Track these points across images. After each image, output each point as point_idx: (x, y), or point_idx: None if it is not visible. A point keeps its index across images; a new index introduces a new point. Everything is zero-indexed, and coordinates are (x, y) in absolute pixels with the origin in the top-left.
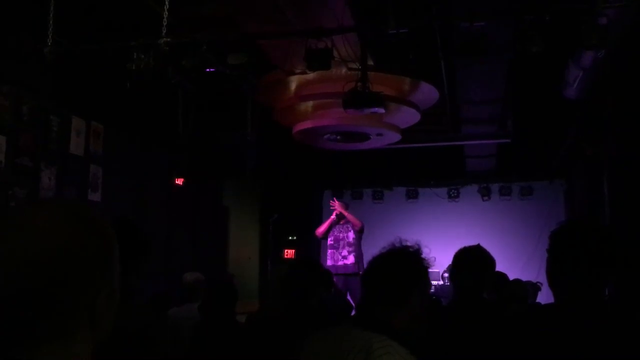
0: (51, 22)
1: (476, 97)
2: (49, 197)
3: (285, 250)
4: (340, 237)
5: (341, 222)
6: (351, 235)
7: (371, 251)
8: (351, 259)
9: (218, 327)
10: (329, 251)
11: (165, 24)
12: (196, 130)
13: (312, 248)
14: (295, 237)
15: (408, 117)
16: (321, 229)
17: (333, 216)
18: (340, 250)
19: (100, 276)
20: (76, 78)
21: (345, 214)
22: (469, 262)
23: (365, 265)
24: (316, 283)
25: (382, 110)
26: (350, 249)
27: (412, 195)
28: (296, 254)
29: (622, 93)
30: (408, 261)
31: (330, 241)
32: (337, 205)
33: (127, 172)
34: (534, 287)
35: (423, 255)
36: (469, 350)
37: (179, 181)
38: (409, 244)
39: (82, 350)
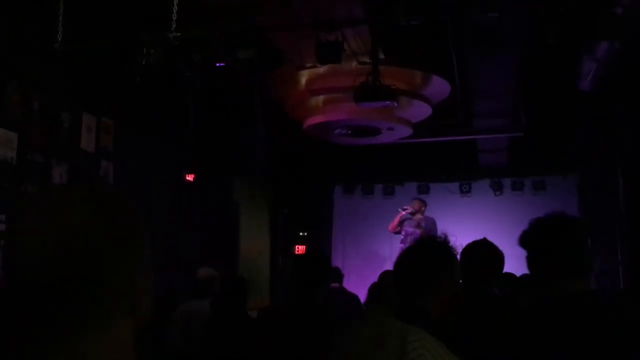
0: (61, 17)
1: (488, 90)
2: None
3: (296, 246)
4: (409, 232)
5: (415, 219)
6: (418, 232)
7: (383, 245)
8: None
9: (230, 322)
10: (400, 246)
11: (175, 18)
12: (206, 125)
13: (322, 244)
14: (306, 233)
15: (419, 111)
16: (392, 224)
17: (403, 212)
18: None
19: (138, 260)
20: (86, 74)
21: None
22: (476, 256)
23: None
24: (323, 277)
25: (393, 104)
26: None
27: (424, 191)
28: (307, 249)
29: (638, 85)
30: (434, 250)
31: (401, 236)
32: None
33: (137, 168)
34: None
35: (450, 244)
36: (479, 344)
37: (190, 177)
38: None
39: (124, 335)
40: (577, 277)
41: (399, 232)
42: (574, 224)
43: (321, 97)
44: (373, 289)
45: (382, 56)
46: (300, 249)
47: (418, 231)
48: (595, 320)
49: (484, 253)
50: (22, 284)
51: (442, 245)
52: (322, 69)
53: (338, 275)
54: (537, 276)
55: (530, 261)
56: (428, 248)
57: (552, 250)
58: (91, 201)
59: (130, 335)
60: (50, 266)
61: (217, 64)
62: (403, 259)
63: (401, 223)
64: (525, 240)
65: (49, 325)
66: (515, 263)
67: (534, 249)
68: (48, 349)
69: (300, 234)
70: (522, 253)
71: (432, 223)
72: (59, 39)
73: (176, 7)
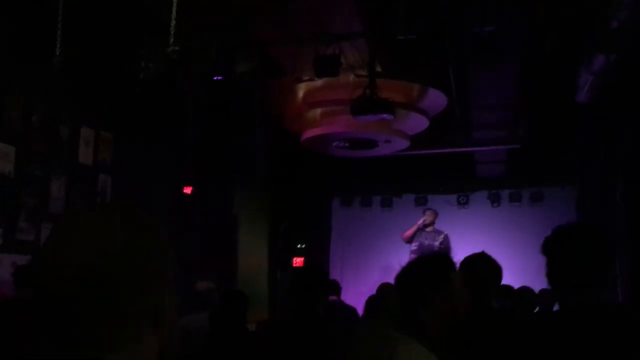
0: (59, 31)
1: (486, 102)
2: (58, 206)
3: (295, 258)
4: (426, 245)
5: (427, 230)
6: (436, 245)
7: (381, 258)
8: None
9: (229, 336)
10: (411, 256)
11: (173, 32)
12: (205, 138)
13: (321, 255)
14: (304, 245)
15: (416, 123)
16: (407, 233)
17: (420, 222)
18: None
19: (164, 277)
20: (85, 88)
21: None
22: (474, 269)
23: None
24: (322, 290)
25: (390, 117)
26: None
27: (422, 202)
28: (305, 262)
29: (635, 97)
30: (432, 263)
31: (414, 247)
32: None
33: (136, 181)
34: (550, 295)
35: (449, 261)
36: (480, 358)
37: (188, 189)
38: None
39: (150, 351)
40: (597, 288)
41: (410, 242)
42: (599, 234)
43: (319, 110)
44: (371, 302)
45: (379, 69)
46: (298, 261)
47: (436, 244)
48: (620, 334)
49: (482, 266)
50: (57, 298)
51: (441, 258)
52: (319, 82)
53: (336, 288)
54: (555, 286)
55: (550, 270)
56: (427, 262)
57: (574, 260)
58: (130, 221)
59: (154, 349)
60: (80, 282)
61: (215, 77)
62: (404, 272)
63: (415, 234)
64: (547, 248)
65: (77, 339)
66: (514, 274)
67: (554, 257)
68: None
69: (299, 246)
70: (520, 265)
71: (448, 239)
72: (58, 53)
73: (174, 21)
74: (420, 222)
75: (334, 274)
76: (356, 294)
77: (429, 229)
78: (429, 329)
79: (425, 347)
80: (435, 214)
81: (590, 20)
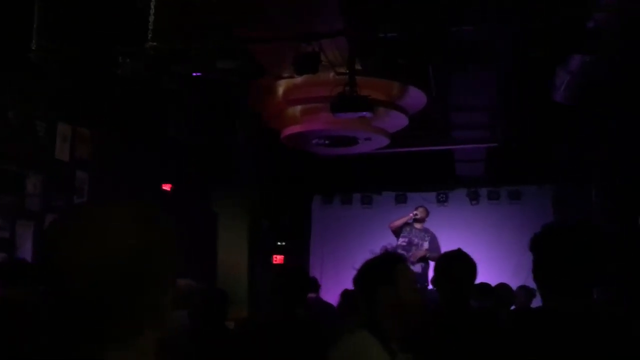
0: (36, 25)
1: (466, 101)
2: (34, 203)
3: (274, 256)
4: (414, 243)
5: (417, 227)
6: (425, 245)
7: (362, 255)
8: (417, 268)
9: (208, 334)
10: (401, 252)
11: (151, 27)
12: (186, 135)
13: (301, 253)
14: (284, 243)
15: (396, 121)
16: (396, 223)
17: (411, 215)
18: (409, 255)
19: (168, 275)
20: (62, 83)
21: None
22: (450, 267)
23: (429, 280)
24: (302, 290)
25: (370, 115)
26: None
27: (401, 200)
28: (285, 259)
29: (612, 98)
30: (377, 260)
31: (402, 242)
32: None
33: (114, 178)
34: (528, 293)
35: (394, 257)
36: (457, 357)
37: (167, 187)
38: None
39: (148, 347)
40: (585, 289)
41: (397, 233)
42: (592, 233)
43: (299, 108)
44: (346, 296)
45: (359, 67)
46: (278, 258)
47: (425, 244)
48: (607, 337)
49: (457, 264)
50: (63, 294)
51: (388, 254)
52: (299, 80)
53: (315, 286)
54: (542, 284)
55: (538, 268)
56: (375, 257)
57: (565, 259)
58: (141, 220)
59: (152, 346)
60: (85, 280)
61: (194, 74)
62: (359, 269)
63: (403, 227)
64: (536, 246)
65: (79, 335)
66: (493, 271)
67: (543, 255)
68: (77, 353)
69: (279, 243)
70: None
71: (436, 239)
72: (34, 47)
73: (153, 17)
74: (411, 214)
75: (314, 272)
76: (336, 291)
77: (418, 225)
78: (383, 325)
79: (382, 343)
80: (427, 212)
81: (567, 21)
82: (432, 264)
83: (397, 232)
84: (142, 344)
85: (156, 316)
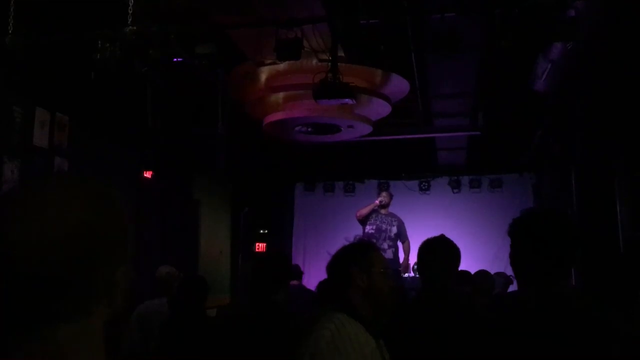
0: (12, 10)
1: (447, 90)
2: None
3: (257, 244)
4: (383, 229)
5: (383, 212)
6: (394, 230)
7: (344, 243)
8: (389, 254)
9: (187, 322)
10: (372, 241)
11: (131, 12)
12: (166, 122)
13: (283, 241)
14: (266, 231)
15: (379, 108)
16: (362, 211)
17: (377, 202)
18: (379, 242)
19: (119, 252)
20: (40, 68)
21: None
22: (433, 252)
23: (400, 264)
24: (283, 277)
25: (352, 102)
26: (391, 243)
27: (384, 188)
28: (267, 247)
29: (591, 89)
30: (351, 246)
31: (370, 230)
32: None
33: (94, 165)
34: (506, 279)
35: (367, 244)
36: (434, 341)
37: (148, 174)
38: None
39: (97, 326)
40: (560, 275)
41: (363, 222)
42: (566, 220)
43: (281, 95)
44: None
45: (341, 54)
46: (260, 246)
47: (394, 229)
48: (584, 324)
49: (441, 249)
50: (12, 271)
51: (362, 241)
52: (281, 66)
53: (297, 273)
54: (518, 270)
55: (515, 253)
56: (349, 244)
57: (539, 245)
58: (92, 195)
59: (102, 326)
60: (47, 257)
61: (175, 59)
62: (332, 256)
63: (370, 214)
64: (513, 231)
65: (27, 316)
66: (474, 259)
67: (519, 241)
68: (27, 334)
69: (261, 231)
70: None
71: (403, 224)
72: (10, 32)
73: (132, 1)
74: (377, 201)
75: (297, 259)
76: (318, 279)
77: (383, 211)
78: (359, 309)
79: (361, 328)
80: (391, 196)
81: (547, 8)
82: (401, 248)
83: (363, 220)
84: (92, 324)
85: (107, 294)
